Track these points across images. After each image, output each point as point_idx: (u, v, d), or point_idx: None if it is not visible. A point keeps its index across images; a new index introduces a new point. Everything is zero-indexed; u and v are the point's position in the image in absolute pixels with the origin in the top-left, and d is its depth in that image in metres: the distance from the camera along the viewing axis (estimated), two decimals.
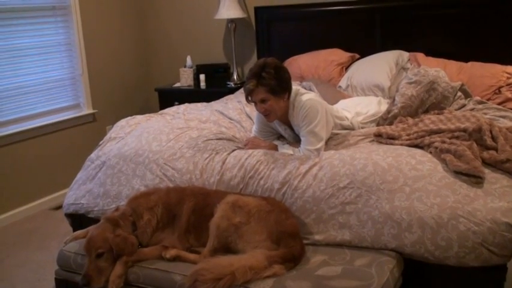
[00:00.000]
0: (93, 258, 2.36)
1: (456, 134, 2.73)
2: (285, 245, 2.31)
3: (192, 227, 2.50)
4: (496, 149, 2.59)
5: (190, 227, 2.50)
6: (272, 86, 2.83)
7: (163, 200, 2.58)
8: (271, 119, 3.02)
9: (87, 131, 4.94)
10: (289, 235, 2.34)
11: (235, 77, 5.15)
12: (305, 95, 2.98)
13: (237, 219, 2.34)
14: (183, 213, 2.53)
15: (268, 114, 2.95)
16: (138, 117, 3.71)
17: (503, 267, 2.31)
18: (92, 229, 2.52)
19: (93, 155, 3.33)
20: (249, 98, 2.92)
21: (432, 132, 2.81)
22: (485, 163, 2.53)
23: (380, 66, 4.16)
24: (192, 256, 2.40)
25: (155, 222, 2.53)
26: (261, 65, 2.87)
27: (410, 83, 3.34)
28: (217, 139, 3.12)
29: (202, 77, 5.12)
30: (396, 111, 3.25)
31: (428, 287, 2.46)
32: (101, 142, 3.45)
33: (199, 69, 5.20)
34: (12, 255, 3.62)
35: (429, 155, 2.63)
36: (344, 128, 3.23)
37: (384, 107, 3.47)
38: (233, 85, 5.06)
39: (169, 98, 5.14)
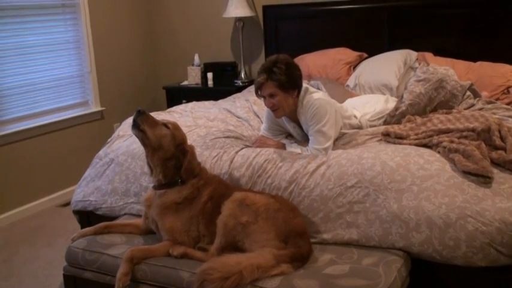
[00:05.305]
0: (160, 122, 2.53)
1: (465, 133, 2.71)
2: (293, 244, 2.30)
3: (206, 212, 2.49)
4: (504, 149, 2.57)
5: (204, 211, 2.49)
6: (282, 82, 2.85)
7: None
8: (279, 115, 3.03)
9: (95, 129, 4.96)
10: (297, 234, 2.34)
11: (242, 75, 5.15)
12: (314, 94, 2.99)
13: (245, 218, 2.33)
14: (203, 195, 2.52)
15: (276, 109, 2.97)
16: None
17: (511, 267, 2.30)
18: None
19: (101, 153, 3.33)
20: (259, 92, 2.94)
21: (440, 132, 2.80)
22: (494, 163, 2.52)
23: (388, 66, 4.14)
24: (199, 254, 2.40)
25: (190, 192, 2.53)
26: (273, 60, 2.91)
27: (418, 81, 3.33)
28: (225, 137, 3.12)
29: (210, 75, 5.13)
30: (404, 108, 3.25)
31: (436, 286, 2.46)
32: (109, 140, 3.45)
33: (207, 67, 5.21)
34: (20, 252, 3.64)
35: (437, 155, 2.62)
36: (352, 127, 3.23)
37: (391, 104, 3.45)
38: (241, 83, 5.06)
39: (177, 96, 5.17)
